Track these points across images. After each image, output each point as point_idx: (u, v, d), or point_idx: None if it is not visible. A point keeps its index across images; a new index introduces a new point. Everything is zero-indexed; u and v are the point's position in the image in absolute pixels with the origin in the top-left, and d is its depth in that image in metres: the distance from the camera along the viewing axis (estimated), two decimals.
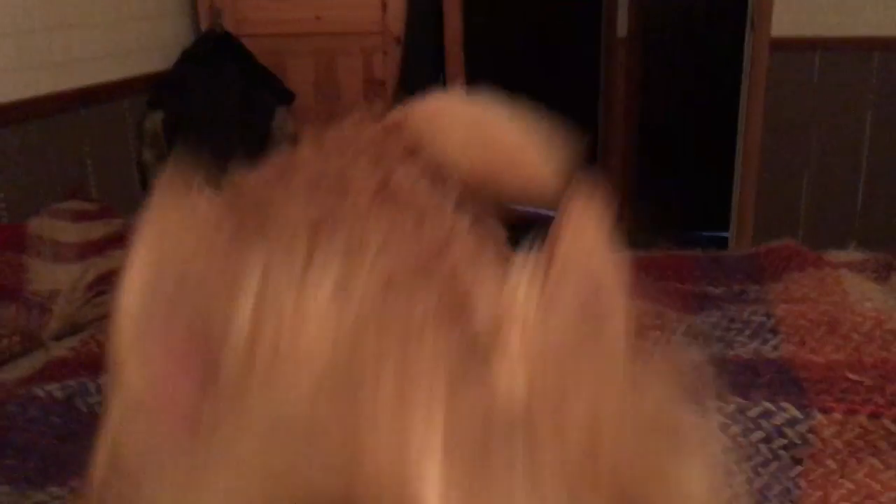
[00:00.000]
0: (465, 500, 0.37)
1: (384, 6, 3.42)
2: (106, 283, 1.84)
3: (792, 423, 1.09)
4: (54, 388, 1.31)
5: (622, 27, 4.54)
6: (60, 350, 1.60)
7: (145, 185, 3.38)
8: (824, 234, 3.34)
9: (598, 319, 0.50)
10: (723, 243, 3.80)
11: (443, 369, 0.41)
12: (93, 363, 1.53)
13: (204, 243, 0.43)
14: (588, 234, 0.50)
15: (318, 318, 0.41)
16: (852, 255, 1.85)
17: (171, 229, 0.43)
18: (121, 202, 2.93)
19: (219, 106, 3.36)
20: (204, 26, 3.51)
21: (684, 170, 4.72)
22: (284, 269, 0.43)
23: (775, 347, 1.25)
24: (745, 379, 1.18)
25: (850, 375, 1.12)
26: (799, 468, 1.06)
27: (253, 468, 0.39)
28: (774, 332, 1.27)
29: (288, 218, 0.73)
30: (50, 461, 1.18)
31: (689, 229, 4.23)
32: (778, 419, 1.09)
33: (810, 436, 1.07)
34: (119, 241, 2.19)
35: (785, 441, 1.08)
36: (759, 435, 1.08)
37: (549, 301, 0.46)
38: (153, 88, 3.35)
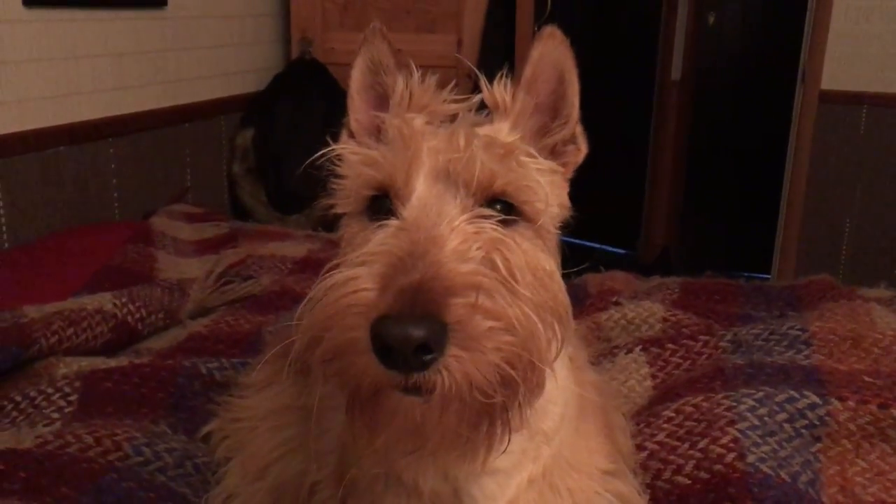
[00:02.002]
0: (429, 189, 0.87)
1: (459, 42, 3.73)
2: (230, 275, 2.14)
3: (812, 407, 1.33)
4: (213, 368, 1.61)
5: (676, 70, 4.75)
6: (196, 327, 1.89)
7: (233, 195, 3.69)
8: (863, 281, 3.41)
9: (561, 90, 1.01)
10: None
11: (442, 132, 0.93)
12: (226, 338, 1.82)
13: (385, 52, 1.01)
14: (553, 43, 0.98)
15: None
16: (883, 292, 2.07)
17: (372, 47, 1.02)
18: (212, 208, 3.24)
19: (303, 126, 3.64)
20: (295, 54, 3.85)
21: (730, 212, 4.84)
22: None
23: (807, 357, 1.49)
24: (777, 379, 1.42)
25: (866, 378, 1.37)
26: (819, 445, 1.30)
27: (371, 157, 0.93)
28: (808, 343, 1.52)
29: None
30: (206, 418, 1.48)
31: (731, 270, 4.34)
32: (800, 404, 1.33)
33: (828, 418, 1.31)
34: (229, 241, 2.50)
35: (806, 421, 1.32)
36: (783, 416, 1.32)
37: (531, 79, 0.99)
38: (246, 108, 3.68)
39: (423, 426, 0.79)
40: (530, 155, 0.94)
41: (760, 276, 4.06)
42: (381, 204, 0.91)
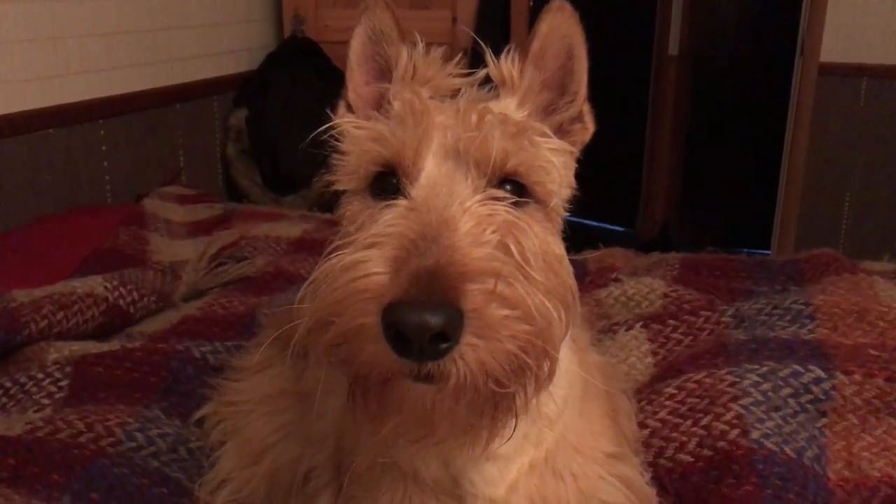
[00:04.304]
0: (439, 168, 0.85)
1: (454, 19, 3.68)
2: (223, 257, 2.11)
3: (817, 381, 1.30)
4: (207, 351, 1.58)
5: (673, 46, 4.70)
6: (189, 310, 1.87)
7: (228, 176, 3.65)
8: (863, 254, 3.39)
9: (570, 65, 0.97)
10: None
11: (450, 107, 0.90)
12: (220, 320, 1.79)
13: (388, 22, 0.98)
14: (562, 17, 0.95)
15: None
16: (886, 265, 2.04)
17: (374, 16, 0.98)
18: (206, 190, 3.20)
19: (297, 106, 3.60)
20: (287, 32, 3.79)
21: (729, 187, 4.82)
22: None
23: (811, 331, 1.46)
24: (781, 353, 1.40)
25: (872, 352, 1.34)
26: (824, 420, 1.28)
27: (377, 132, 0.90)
28: (812, 318, 1.49)
29: None
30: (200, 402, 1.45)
31: (731, 246, 4.32)
32: (805, 378, 1.31)
33: (833, 393, 1.28)
34: (222, 222, 2.47)
35: (811, 396, 1.29)
36: (787, 391, 1.30)
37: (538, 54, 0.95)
38: (239, 88, 3.63)
39: (432, 415, 0.76)
40: (543, 134, 0.90)
41: (760, 251, 4.05)
42: (387, 182, 0.88)
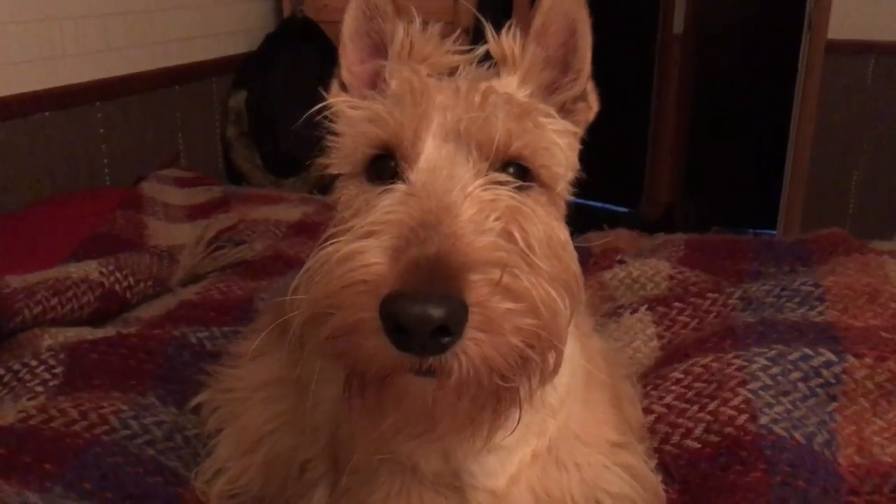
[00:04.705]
0: (439, 150, 0.81)
1: None
2: (221, 241, 2.08)
3: (827, 364, 1.27)
4: (204, 337, 1.55)
5: (678, 24, 4.64)
6: (187, 294, 1.84)
7: (228, 159, 3.62)
8: (871, 234, 3.36)
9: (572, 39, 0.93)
10: None
11: (450, 86, 0.86)
12: (218, 305, 1.76)
13: None
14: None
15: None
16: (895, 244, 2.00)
17: None
18: (206, 173, 3.17)
19: (297, 87, 3.55)
20: (286, 12, 3.74)
21: (734, 167, 4.79)
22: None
23: (821, 313, 1.43)
24: (790, 336, 1.36)
25: (884, 334, 1.30)
26: (834, 404, 1.24)
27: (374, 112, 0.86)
28: (821, 299, 1.45)
29: None
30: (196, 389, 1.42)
31: (736, 225, 4.29)
32: (815, 361, 1.27)
33: (844, 376, 1.25)
34: (221, 205, 2.43)
35: (821, 380, 1.26)
36: (797, 375, 1.26)
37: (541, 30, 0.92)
38: (238, 69, 3.59)
39: (433, 409, 0.73)
40: (548, 115, 0.87)
41: (766, 231, 4.01)
42: (384, 165, 0.84)
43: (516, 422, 0.78)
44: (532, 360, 0.71)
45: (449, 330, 0.66)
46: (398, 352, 0.68)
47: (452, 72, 0.92)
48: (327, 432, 1.03)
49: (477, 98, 0.82)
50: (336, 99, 0.98)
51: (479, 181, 0.78)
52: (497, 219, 0.75)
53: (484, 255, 0.70)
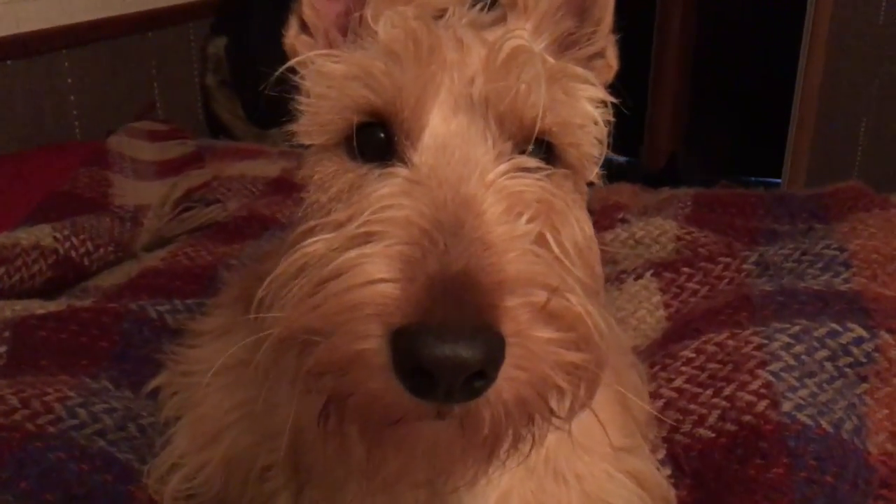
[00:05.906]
0: (447, 123, 0.65)
1: None
2: (191, 200, 1.93)
3: (858, 342, 1.13)
4: (165, 311, 1.41)
5: None
6: (152, 261, 1.69)
7: (208, 109, 3.44)
8: (880, 184, 3.26)
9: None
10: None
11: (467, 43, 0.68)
12: (184, 273, 1.62)
13: None
14: None
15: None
16: None
17: None
18: (185, 124, 3.00)
19: (280, 33, 3.37)
20: None
21: (738, 114, 4.66)
22: None
23: (846, 280, 1.29)
24: (813, 308, 1.22)
25: None
26: (865, 385, 1.11)
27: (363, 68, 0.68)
28: (847, 265, 1.31)
29: None
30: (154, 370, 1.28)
31: (739, 174, 4.16)
32: (843, 339, 1.13)
33: (876, 354, 1.11)
34: (195, 161, 2.27)
35: (850, 359, 1.12)
36: (823, 353, 1.13)
37: None
38: (217, 13, 3.39)
39: (446, 455, 0.58)
40: (586, 80, 0.69)
41: (770, 180, 3.90)
42: (371, 136, 0.67)
43: (529, 451, 0.62)
44: (567, 394, 0.57)
45: (484, 374, 0.51)
46: (413, 398, 0.52)
47: (440, 15, 0.73)
48: (287, 440, 0.89)
49: (501, 56, 0.64)
50: (296, 42, 0.82)
51: (503, 167, 0.62)
52: (530, 219, 0.59)
53: (520, 271, 0.54)
